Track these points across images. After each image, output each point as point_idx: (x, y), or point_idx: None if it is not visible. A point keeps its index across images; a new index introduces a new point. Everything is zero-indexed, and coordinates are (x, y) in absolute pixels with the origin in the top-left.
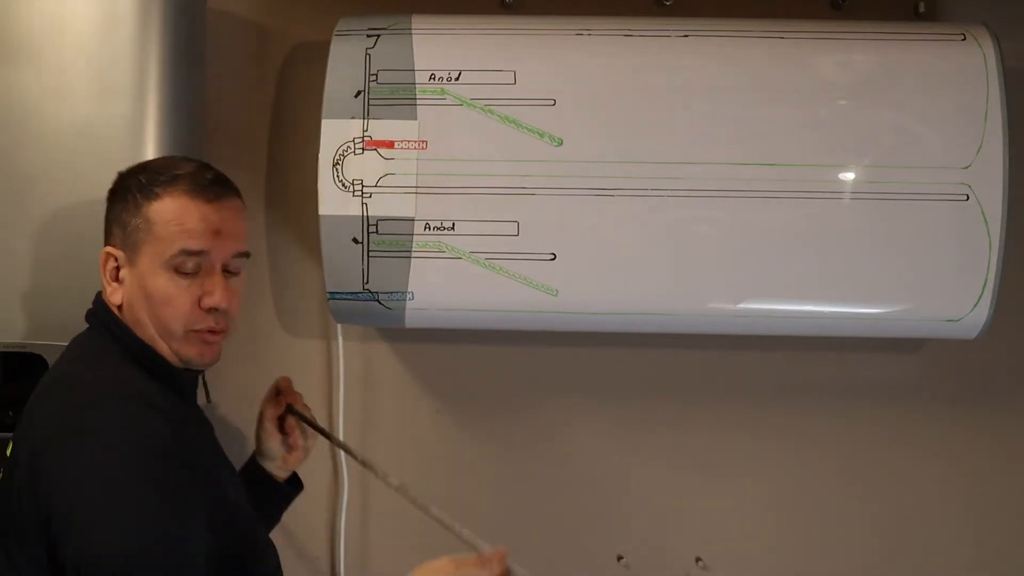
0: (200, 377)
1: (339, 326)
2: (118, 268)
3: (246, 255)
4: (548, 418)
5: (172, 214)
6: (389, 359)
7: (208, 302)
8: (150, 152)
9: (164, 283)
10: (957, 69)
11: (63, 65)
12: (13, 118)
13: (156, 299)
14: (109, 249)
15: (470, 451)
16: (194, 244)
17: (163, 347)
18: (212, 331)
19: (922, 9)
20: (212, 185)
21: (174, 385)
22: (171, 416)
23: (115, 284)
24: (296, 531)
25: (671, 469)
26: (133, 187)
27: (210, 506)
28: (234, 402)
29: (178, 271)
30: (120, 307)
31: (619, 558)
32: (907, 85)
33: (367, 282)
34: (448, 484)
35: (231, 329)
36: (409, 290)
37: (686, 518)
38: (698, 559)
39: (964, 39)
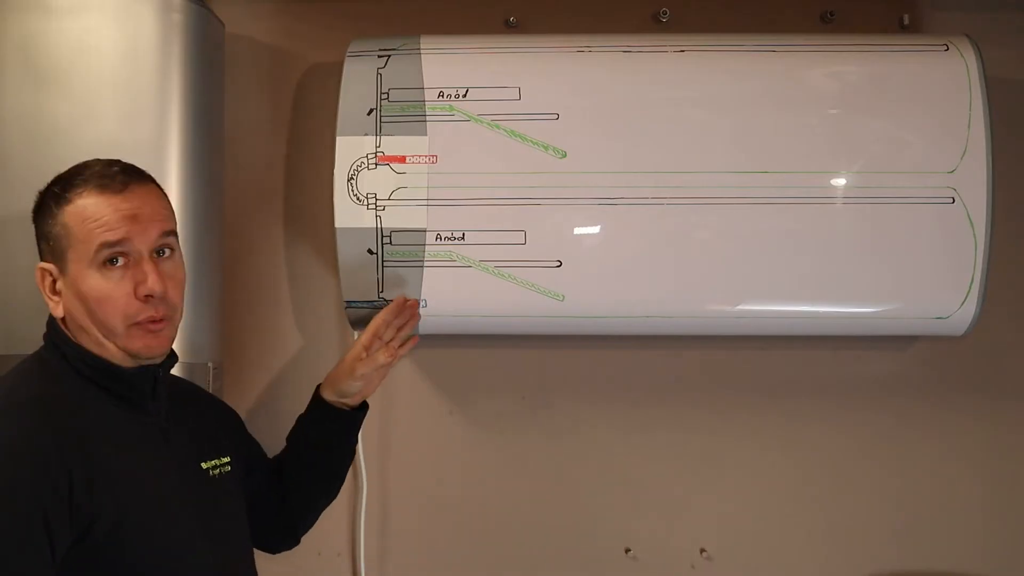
0: (156, 378)
1: (356, 333)
2: (54, 281)
3: (173, 233)
4: (556, 417)
5: (86, 212)
6: (404, 363)
7: (142, 290)
8: (173, 170)
9: (96, 282)
10: (941, 78)
11: (90, 89)
12: (43, 139)
13: (92, 300)
14: (42, 264)
15: (482, 450)
16: (111, 235)
17: (111, 350)
18: (154, 320)
19: (907, 22)
20: (119, 175)
21: (122, 391)
22: (66, 423)
23: (55, 298)
24: (317, 527)
25: (675, 464)
26: (49, 199)
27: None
28: (256, 407)
29: (105, 266)
30: (64, 320)
31: (627, 550)
32: (894, 94)
33: (382, 291)
34: (461, 481)
35: (175, 315)
36: (422, 298)
37: (690, 511)
38: (702, 550)
39: (947, 49)
